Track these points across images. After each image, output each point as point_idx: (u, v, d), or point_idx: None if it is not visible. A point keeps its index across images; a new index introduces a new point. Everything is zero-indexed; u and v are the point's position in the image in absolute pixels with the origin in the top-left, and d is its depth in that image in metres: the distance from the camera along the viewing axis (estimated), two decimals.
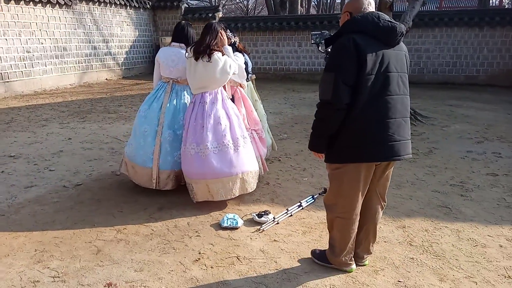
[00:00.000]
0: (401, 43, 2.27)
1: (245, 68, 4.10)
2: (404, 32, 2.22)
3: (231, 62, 3.43)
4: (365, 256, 2.60)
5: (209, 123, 3.43)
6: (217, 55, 3.35)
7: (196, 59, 3.36)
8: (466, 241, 2.95)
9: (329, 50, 2.51)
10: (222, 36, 3.41)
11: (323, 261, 2.61)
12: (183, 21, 3.90)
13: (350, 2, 2.33)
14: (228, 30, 4.10)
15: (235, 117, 3.59)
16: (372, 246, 2.59)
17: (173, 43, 3.78)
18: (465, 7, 24.13)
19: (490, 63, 11.50)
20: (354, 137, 2.23)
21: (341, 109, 2.18)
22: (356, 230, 2.47)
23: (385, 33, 2.17)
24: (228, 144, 3.44)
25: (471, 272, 2.55)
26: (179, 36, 3.76)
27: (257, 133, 4.22)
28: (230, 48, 3.51)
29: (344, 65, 2.14)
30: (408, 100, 2.32)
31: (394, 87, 2.20)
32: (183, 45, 3.71)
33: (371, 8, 2.27)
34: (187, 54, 3.46)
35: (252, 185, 3.60)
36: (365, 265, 2.61)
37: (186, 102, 3.81)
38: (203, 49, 3.32)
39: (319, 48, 2.66)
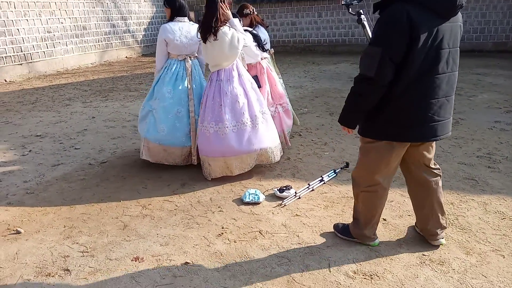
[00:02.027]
0: (458, 13, 2.08)
1: (263, 44, 3.99)
2: (464, 4, 2.01)
3: (238, 36, 3.34)
4: (438, 231, 2.47)
5: (227, 101, 3.43)
6: (222, 30, 3.28)
7: (204, 40, 3.34)
8: (493, 214, 2.88)
9: (363, 19, 2.37)
10: (223, 9, 3.29)
11: (346, 235, 2.60)
12: None
13: None
14: (246, 8, 3.97)
15: (253, 93, 3.56)
16: (442, 219, 2.47)
17: (177, 18, 3.69)
18: None
19: None
20: (393, 115, 2.14)
21: (383, 87, 2.07)
22: (384, 204, 2.44)
23: (443, 5, 1.98)
24: (246, 122, 3.46)
25: (499, 246, 2.49)
26: (178, 10, 3.67)
27: (282, 107, 4.18)
28: (236, 21, 3.40)
29: (394, 41, 1.97)
30: (456, 77, 2.18)
31: (443, 65, 2.07)
32: (185, 18, 3.70)
33: None
34: (198, 35, 3.44)
35: (269, 159, 3.62)
36: (441, 244, 2.49)
37: (203, 76, 3.88)
38: (207, 29, 3.28)
39: (349, 10, 2.51)
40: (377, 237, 2.54)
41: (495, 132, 4.66)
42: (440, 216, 2.47)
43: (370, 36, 2.37)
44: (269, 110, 3.97)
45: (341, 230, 2.65)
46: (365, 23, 2.39)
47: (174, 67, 3.76)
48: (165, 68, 3.78)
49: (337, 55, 11.87)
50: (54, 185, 3.65)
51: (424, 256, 2.42)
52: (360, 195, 2.45)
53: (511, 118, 5.15)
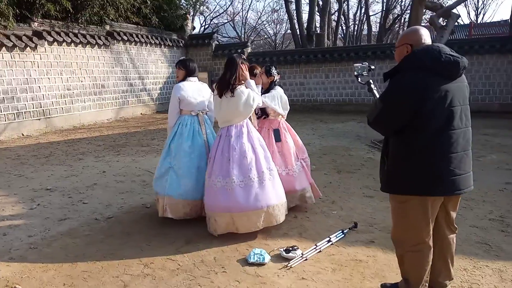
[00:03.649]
0: (462, 75, 2.26)
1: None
2: (467, 66, 2.21)
3: (254, 95, 3.54)
4: (447, 283, 2.51)
5: (235, 156, 3.49)
6: (239, 89, 3.48)
7: (220, 95, 3.51)
8: (509, 282, 2.75)
9: (370, 82, 2.65)
10: (242, 70, 3.53)
11: None
12: (185, 58, 4.05)
13: (408, 34, 2.30)
14: (274, 68, 4.21)
15: (260, 150, 3.62)
16: (451, 271, 2.50)
17: (189, 78, 3.95)
18: (495, 34, 23.46)
19: None
20: (415, 169, 2.22)
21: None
22: (430, 262, 2.39)
23: (447, 68, 2.16)
24: (253, 178, 3.48)
25: None
26: (190, 72, 3.97)
27: (304, 161, 4.30)
28: (252, 82, 3.63)
29: (396, 105, 2.19)
30: (470, 132, 2.29)
31: (457, 121, 2.20)
32: (196, 78, 4.01)
33: (429, 40, 2.26)
34: (214, 91, 3.63)
35: (277, 218, 3.58)
36: None
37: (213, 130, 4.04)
38: (225, 86, 3.48)
39: (359, 80, 2.74)
40: None
41: (506, 194, 4.57)
42: (451, 268, 2.49)
43: None
44: (296, 164, 4.12)
45: None
46: (375, 91, 2.59)
47: (189, 122, 3.91)
48: (179, 124, 3.92)
49: (344, 114, 12.08)
50: (59, 240, 3.62)
51: None
52: (405, 256, 2.42)
53: None
